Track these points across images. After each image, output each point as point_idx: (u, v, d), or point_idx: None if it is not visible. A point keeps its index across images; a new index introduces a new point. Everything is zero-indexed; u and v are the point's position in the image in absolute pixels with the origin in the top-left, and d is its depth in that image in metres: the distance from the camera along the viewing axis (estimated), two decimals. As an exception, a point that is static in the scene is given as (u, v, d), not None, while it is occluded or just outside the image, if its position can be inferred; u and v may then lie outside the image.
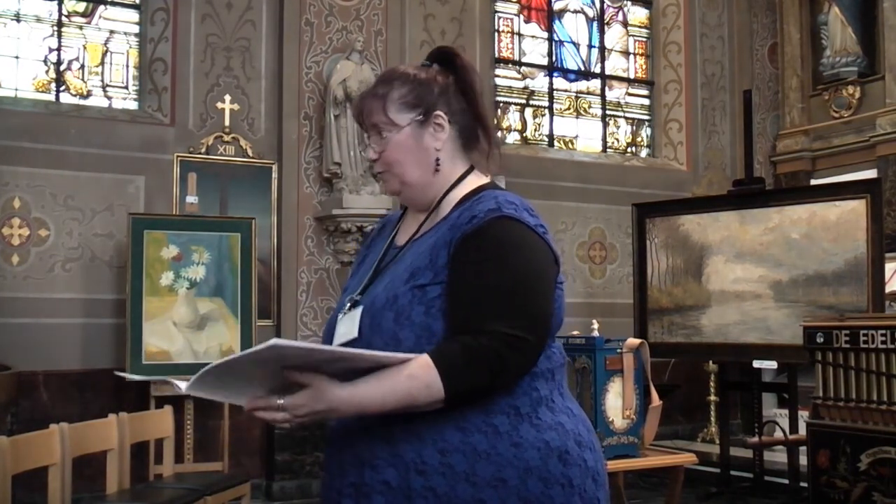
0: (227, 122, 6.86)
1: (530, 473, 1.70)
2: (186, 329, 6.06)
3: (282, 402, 1.61)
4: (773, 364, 6.86)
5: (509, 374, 1.71)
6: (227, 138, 6.89)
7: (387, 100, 1.85)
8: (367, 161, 1.91)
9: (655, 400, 4.10)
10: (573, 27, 9.16)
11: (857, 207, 6.00)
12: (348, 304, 1.87)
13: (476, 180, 1.90)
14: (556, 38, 9.00)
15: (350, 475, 1.76)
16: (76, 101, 6.89)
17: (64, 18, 6.90)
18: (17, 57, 6.72)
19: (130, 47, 7.08)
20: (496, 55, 8.53)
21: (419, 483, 1.69)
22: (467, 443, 1.69)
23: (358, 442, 1.76)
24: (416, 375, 1.63)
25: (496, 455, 1.69)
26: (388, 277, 1.83)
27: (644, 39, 9.48)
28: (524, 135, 8.73)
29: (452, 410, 1.68)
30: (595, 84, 9.21)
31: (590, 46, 9.22)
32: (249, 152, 6.96)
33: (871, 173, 8.03)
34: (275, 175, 6.99)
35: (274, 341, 1.54)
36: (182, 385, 1.70)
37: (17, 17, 6.74)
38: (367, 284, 1.87)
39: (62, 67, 6.87)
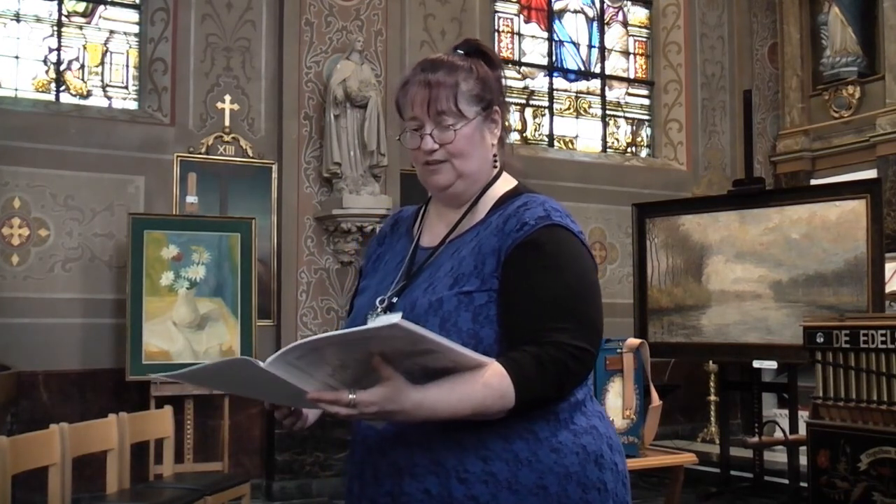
0: (227, 122, 6.86)
1: (570, 479, 1.68)
2: (186, 329, 6.06)
3: (353, 396, 1.52)
4: (773, 364, 6.85)
5: (573, 385, 1.71)
6: (227, 138, 6.89)
7: (458, 90, 1.79)
8: (413, 150, 1.82)
9: (655, 400, 4.10)
10: (573, 27, 9.17)
11: (857, 207, 5.99)
12: (379, 306, 1.79)
13: (508, 180, 1.89)
14: (556, 38, 9.01)
15: (385, 484, 1.72)
16: (76, 101, 6.88)
17: (64, 18, 6.89)
18: (17, 57, 6.72)
19: (130, 47, 7.08)
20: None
21: (461, 491, 1.65)
22: (509, 450, 1.66)
23: (393, 449, 1.71)
24: (491, 385, 1.59)
25: (537, 462, 1.67)
26: (424, 281, 1.77)
27: (644, 39, 9.48)
28: (524, 135, 8.73)
29: None
30: (595, 84, 9.21)
31: (590, 46, 9.22)
32: (249, 152, 6.95)
33: (871, 173, 8.03)
34: (275, 175, 6.99)
35: (397, 321, 1.46)
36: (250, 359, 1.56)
37: (17, 17, 6.74)
38: (401, 287, 1.80)
39: (62, 67, 6.87)
